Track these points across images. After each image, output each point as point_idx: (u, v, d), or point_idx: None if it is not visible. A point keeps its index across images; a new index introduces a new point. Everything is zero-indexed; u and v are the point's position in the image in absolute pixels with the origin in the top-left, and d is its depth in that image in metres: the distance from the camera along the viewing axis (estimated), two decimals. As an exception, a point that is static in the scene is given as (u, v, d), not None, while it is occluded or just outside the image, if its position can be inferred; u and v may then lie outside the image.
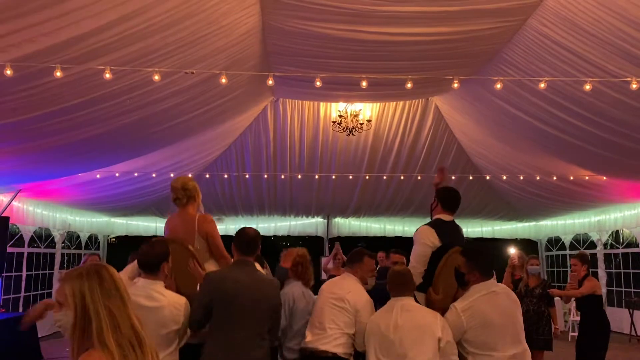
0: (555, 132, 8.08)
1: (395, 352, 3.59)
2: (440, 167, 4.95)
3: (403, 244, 7.97)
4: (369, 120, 10.27)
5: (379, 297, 4.14)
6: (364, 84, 6.15)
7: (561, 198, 12.25)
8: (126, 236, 15.94)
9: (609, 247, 13.38)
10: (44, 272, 12.27)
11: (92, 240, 14.80)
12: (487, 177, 12.22)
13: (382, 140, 11.46)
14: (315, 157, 11.86)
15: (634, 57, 5.39)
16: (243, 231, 3.79)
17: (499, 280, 6.08)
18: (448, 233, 4.08)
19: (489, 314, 3.56)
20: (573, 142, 8.19)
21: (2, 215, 9.53)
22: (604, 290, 12.70)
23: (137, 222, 15.44)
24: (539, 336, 6.57)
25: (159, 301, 3.34)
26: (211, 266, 4.01)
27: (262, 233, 13.66)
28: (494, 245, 16.60)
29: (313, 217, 15.61)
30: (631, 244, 12.88)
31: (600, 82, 5.90)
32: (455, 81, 6.31)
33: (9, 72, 4.57)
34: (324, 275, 9.75)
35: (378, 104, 10.60)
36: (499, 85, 6.02)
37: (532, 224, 15.99)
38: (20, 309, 10.92)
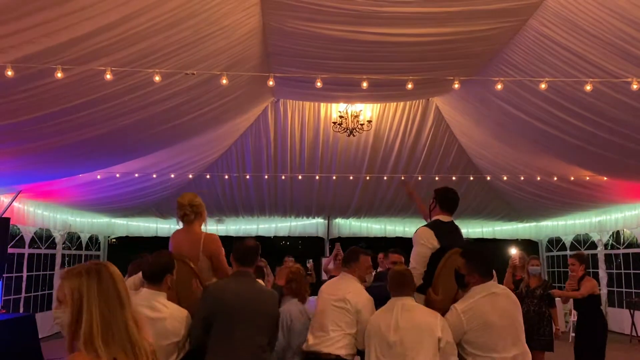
0: (556, 132, 8.07)
1: (395, 352, 3.59)
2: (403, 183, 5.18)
3: (404, 245, 7.97)
4: (369, 121, 10.27)
5: (376, 300, 4.14)
6: (364, 84, 6.16)
7: (562, 198, 12.24)
8: (127, 237, 15.95)
9: (609, 248, 13.37)
10: (45, 272, 12.27)
11: (93, 241, 14.81)
12: (488, 178, 12.22)
13: (383, 141, 11.46)
14: (316, 158, 11.86)
15: (635, 57, 5.39)
16: (242, 243, 3.80)
17: (500, 281, 6.10)
18: (447, 234, 4.09)
19: (489, 315, 3.57)
20: (574, 142, 8.19)
21: (3, 216, 9.54)
22: (604, 291, 12.71)
23: (138, 222, 15.45)
24: (539, 337, 6.57)
25: (161, 312, 3.35)
26: None
27: (262, 234, 13.71)
28: (495, 245, 16.60)
29: (313, 217, 15.60)
30: (632, 244, 12.88)
31: (601, 82, 5.90)
32: (456, 82, 6.31)
33: (9, 73, 4.57)
34: (324, 276, 9.76)
35: (378, 105, 10.60)
36: (499, 86, 6.02)
37: (533, 224, 15.99)
38: (21, 310, 10.93)
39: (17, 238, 11.02)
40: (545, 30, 5.95)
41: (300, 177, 12.29)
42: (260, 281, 4.25)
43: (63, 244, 12.76)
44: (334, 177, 12.36)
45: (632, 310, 11.68)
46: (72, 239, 13.75)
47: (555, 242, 15.72)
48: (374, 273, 5.97)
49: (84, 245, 13.96)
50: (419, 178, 11.91)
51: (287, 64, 7.40)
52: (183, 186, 12.45)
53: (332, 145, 11.55)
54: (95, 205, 12.92)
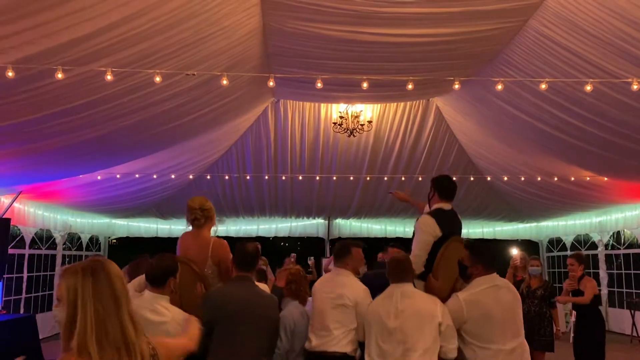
0: (556, 132, 8.07)
1: (396, 339, 3.61)
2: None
3: (404, 245, 7.94)
4: (369, 122, 10.27)
5: (370, 288, 4.17)
6: (364, 85, 6.16)
7: (562, 199, 12.24)
8: (127, 237, 15.96)
9: (610, 248, 13.37)
10: (45, 273, 12.27)
11: (93, 241, 14.81)
12: (488, 178, 12.22)
13: (383, 141, 11.46)
14: (316, 158, 11.86)
15: (635, 57, 5.39)
16: (242, 247, 3.79)
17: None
18: (448, 222, 4.15)
19: (491, 307, 3.60)
20: (574, 142, 8.19)
21: (3, 216, 9.54)
22: (605, 291, 12.71)
23: (138, 223, 15.45)
24: (540, 337, 6.57)
25: (163, 315, 3.35)
26: None
27: (263, 234, 13.70)
28: (495, 246, 16.58)
29: (314, 218, 15.60)
30: (632, 244, 12.87)
31: (601, 82, 5.90)
32: (456, 82, 6.31)
33: (10, 74, 4.57)
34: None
35: (379, 105, 10.60)
36: (499, 86, 6.02)
37: (533, 224, 15.99)
38: (22, 311, 10.93)
39: (17, 239, 11.02)
40: (545, 31, 5.95)
41: (300, 178, 12.28)
42: (263, 285, 4.24)
43: (63, 244, 12.76)
44: (335, 178, 12.36)
45: (632, 311, 11.67)
46: (73, 239, 13.75)
47: (555, 243, 15.72)
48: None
49: (84, 246, 13.96)
50: (419, 179, 11.91)
51: (288, 65, 7.40)
52: (183, 187, 12.46)
53: (333, 145, 11.55)
54: (95, 206, 12.92)
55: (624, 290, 12.80)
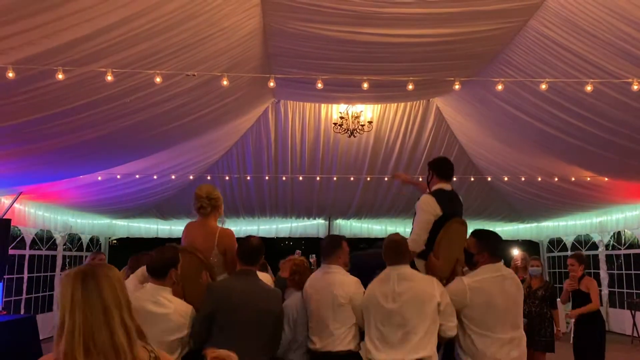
0: (557, 133, 8.07)
1: (395, 322, 3.61)
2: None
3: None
4: (370, 122, 10.27)
5: (358, 268, 4.18)
6: (365, 85, 6.15)
7: (563, 199, 12.24)
8: (127, 238, 15.96)
9: (610, 248, 13.36)
10: (46, 274, 12.27)
11: (94, 242, 14.81)
12: (489, 179, 12.22)
13: (383, 142, 11.46)
14: (317, 159, 11.86)
15: (635, 57, 5.39)
16: (246, 241, 3.77)
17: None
18: (449, 202, 4.18)
19: (494, 296, 3.62)
20: (574, 143, 8.19)
21: (4, 217, 9.54)
22: (605, 292, 12.70)
23: (139, 224, 15.45)
24: (541, 338, 6.56)
25: (166, 307, 3.35)
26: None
27: (263, 235, 13.73)
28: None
29: (314, 218, 15.60)
30: (633, 245, 12.87)
31: (602, 83, 5.90)
32: (457, 82, 6.31)
33: (10, 74, 4.57)
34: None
35: (379, 106, 10.60)
36: (500, 87, 6.02)
37: (534, 225, 15.98)
38: (22, 311, 10.93)
39: (18, 239, 11.02)
40: (545, 31, 5.95)
41: (301, 178, 12.28)
42: (265, 275, 4.19)
43: (64, 245, 12.76)
44: (335, 178, 12.36)
45: (633, 311, 11.66)
46: (73, 240, 13.76)
47: (556, 243, 15.71)
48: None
49: (84, 247, 13.95)
50: (420, 179, 11.89)
51: (288, 65, 7.40)
52: (184, 187, 12.46)
53: (333, 146, 11.55)
54: (96, 207, 12.93)
55: (625, 290, 12.80)
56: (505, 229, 16.13)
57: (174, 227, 15.19)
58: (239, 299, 3.49)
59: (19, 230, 10.93)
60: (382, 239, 4.14)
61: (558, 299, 7.02)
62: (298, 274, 4.35)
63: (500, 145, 10.47)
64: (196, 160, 11.21)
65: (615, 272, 13.33)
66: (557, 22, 5.70)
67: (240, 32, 6.16)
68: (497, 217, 14.87)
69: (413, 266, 4.08)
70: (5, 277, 9.77)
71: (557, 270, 15.64)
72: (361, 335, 3.94)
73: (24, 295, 11.20)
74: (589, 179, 10.21)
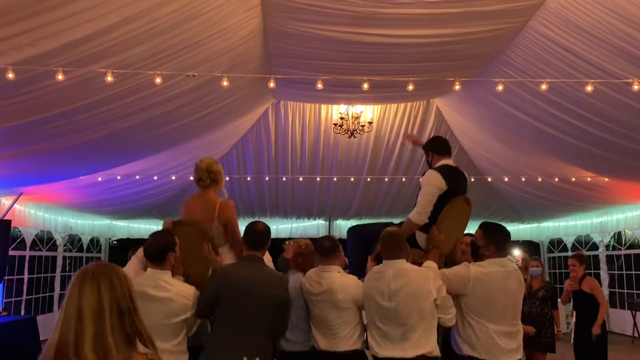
0: (557, 133, 8.07)
1: (394, 321, 3.62)
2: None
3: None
4: (370, 122, 10.27)
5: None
6: (365, 86, 6.15)
7: (563, 199, 12.23)
8: (128, 239, 15.94)
9: (611, 249, 13.35)
10: (46, 275, 12.26)
11: (94, 243, 14.80)
12: (489, 179, 12.21)
13: (384, 142, 11.45)
14: (317, 160, 11.85)
15: (635, 57, 5.39)
16: (252, 226, 3.75)
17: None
18: (454, 177, 4.20)
19: (497, 291, 3.63)
20: (574, 143, 8.18)
21: (4, 218, 9.54)
22: (606, 292, 12.68)
23: (139, 224, 15.44)
24: (541, 338, 6.54)
25: (167, 291, 3.34)
26: (225, 252, 3.97)
27: (263, 235, 13.27)
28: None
29: (315, 219, 15.59)
30: (633, 245, 12.86)
31: (602, 83, 5.90)
32: (457, 83, 6.31)
33: (10, 75, 4.57)
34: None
35: (379, 106, 10.60)
36: (500, 87, 6.02)
37: (534, 225, 15.97)
38: (22, 312, 10.92)
39: (18, 240, 11.01)
40: (545, 31, 5.95)
41: (301, 179, 12.28)
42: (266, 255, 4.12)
43: (64, 246, 12.75)
44: (335, 179, 12.35)
45: (633, 312, 11.66)
46: (73, 241, 13.75)
47: (556, 243, 15.70)
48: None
49: (85, 248, 13.95)
50: (420, 179, 11.89)
51: (288, 66, 7.40)
52: (184, 188, 12.45)
53: (333, 146, 11.54)
54: (96, 207, 12.92)
55: (625, 291, 12.79)
56: (505, 230, 16.12)
57: (174, 228, 15.14)
58: (244, 284, 3.47)
59: (19, 231, 10.93)
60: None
61: (559, 300, 7.01)
62: (301, 256, 4.31)
63: (500, 146, 10.47)
64: (196, 160, 11.18)
65: (616, 272, 13.32)
66: (557, 23, 5.70)
67: (240, 33, 6.16)
68: (498, 218, 14.82)
69: (414, 240, 4.10)
70: (6, 278, 9.77)
71: (557, 270, 15.63)
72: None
73: (24, 296, 11.19)
74: (589, 179, 10.20)
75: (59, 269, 12.48)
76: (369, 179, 12.44)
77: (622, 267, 13.19)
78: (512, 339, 3.65)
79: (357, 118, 10.03)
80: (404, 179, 12.29)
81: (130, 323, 1.73)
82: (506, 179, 11.72)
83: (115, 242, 17.22)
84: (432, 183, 4.08)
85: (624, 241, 13.10)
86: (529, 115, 7.97)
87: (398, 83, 7.15)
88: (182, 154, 10.23)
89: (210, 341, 3.55)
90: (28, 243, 11.23)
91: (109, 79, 5.09)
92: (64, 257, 12.86)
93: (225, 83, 5.58)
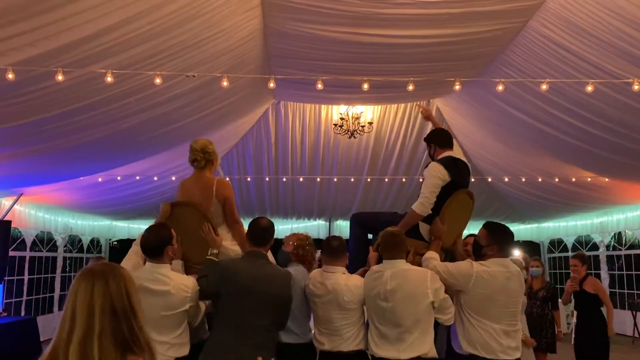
0: (557, 133, 8.07)
1: (390, 322, 3.62)
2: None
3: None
4: (370, 123, 10.27)
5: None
6: (365, 86, 6.15)
7: (563, 200, 12.23)
8: (128, 239, 15.93)
9: (611, 249, 13.34)
10: (46, 275, 12.26)
11: (94, 243, 14.80)
12: (489, 179, 12.20)
13: (384, 143, 11.45)
14: (317, 160, 11.85)
15: (635, 57, 5.39)
16: (256, 222, 3.74)
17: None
18: (457, 168, 4.20)
19: (496, 292, 3.63)
20: (574, 143, 8.18)
21: (4, 219, 9.54)
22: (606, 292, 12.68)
23: (139, 225, 15.42)
24: (542, 338, 6.54)
25: (166, 284, 3.33)
26: (223, 231, 3.97)
27: (263, 236, 13.24)
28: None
29: (315, 219, 15.59)
30: (634, 245, 12.86)
31: (602, 83, 5.89)
32: (457, 83, 6.31)
33: (10, 75, 4.57)
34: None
35: (379, 107, 10.60)
36: (500, 87, 6.01)
37: (534, 225, 15.96)
38: (22, 313, 10.92)
39: (18, 241, 11.01)
40: (545, 32, 5.95)
41: (301, 179, 12.28)
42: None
43: (64, 246, 12.75)
44: (335, 179, 12.35)
45: (634, 312, 11.65)
46: (74, 241, 13.74)
47: (556, 244, 15.69)
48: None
49: (85, 248, 13.95)
50: (420, 180, 11.89)
51: (288, 66, 7.41)
52: (184, 189, 12.44)
53: (333, 147, 11.54)
54: (96, 208, 12.92)
55: (626, 291, 12.78)
56: (505, 230, 16.11)
57: (174, 229, 15.14)
58: (245, 282, 3.46)
59: (20, 231, 10.93)
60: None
61: (559, 300, 7.01)
62: (301, 248, 4.31)
63: (500, 146, 10.46)
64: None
65: (616, 272, 13.31)
66: (557, 23, 5.70)
67: (240, 33, 6.16)
68: (498, 218, 14.80)
69: (417, 231, 4.10)
70: (6, 278, 9.77)
71: (557, 271, 15.62)
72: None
73: (25, 297, 11.19)
74: (589, 179, 10.20)
75: (59, 270, 12.48)
76: (369, 180, 12.44)
77: (622, 267, 13.18)
78: (511, 338, 3.65)
79: (357, 118, 10.03)
80: (404, 180, 12.29)
81: (126, 326, 1.67)
82: (506, 179, 11.72)
83: (116, 242, 17.20)
84: (435, 175, 4.09)
85: (624, 241, 13.10)
86: (529, 116, 7.96)
87: (398, 83, 7.14)
88: (182, 154, 10.15)
89: (212, 338, 3.55)
90: (28, 244, 11.22)
91: (109, 79, 5.09)
92: (64, 258, 12.86)
93: (225, 83, 5.58)
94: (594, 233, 13.48)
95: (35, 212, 11.07)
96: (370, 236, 4.66)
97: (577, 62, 6.00)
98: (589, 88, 5.66)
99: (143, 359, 1.68)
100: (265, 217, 3.90)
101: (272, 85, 5.86)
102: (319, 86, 5.84)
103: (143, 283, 3.24)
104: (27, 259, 11.34)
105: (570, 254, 14.51)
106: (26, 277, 11.26)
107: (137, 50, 5.27)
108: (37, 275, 11.85)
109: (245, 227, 3.99)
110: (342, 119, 10.05)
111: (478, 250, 3.83)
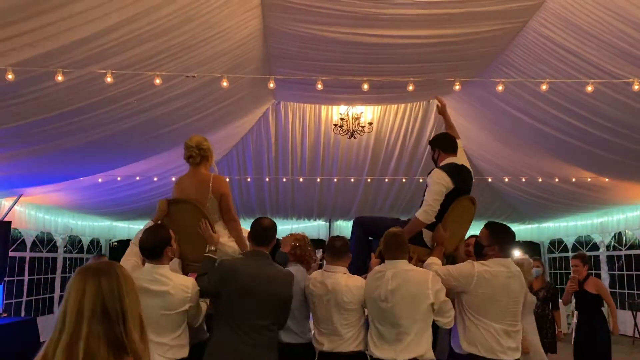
0: (557, 133, 8.07)
1: (389, 322, 3.63)
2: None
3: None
4: (370, 123, 10.26)
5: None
6: (365, 86, 6.15)
7: (563, 200, 12.22)
8: (128, 240, 15.91)
9: (611, 249, 13.34)
10: (46, 276, 12.26)
11: (94, 244, 14.81)
12: (489, 180, 12.20)
13: (384, 143, 11.45)
14: (317, 160, 11.85)
15: (635, 57, 5.39)
16: (258, 222, 3.74)
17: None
18: (460, 175, 4.21)
19: (498, 291, 3.63)
20: (574, 143, 8.18)
21: (4, 219, 9.54)
22: (607, 292, 12.67)
23: (139, 226, 15.31)
24: (542, 339, 6.53)
25: (165, 284, 3.33)
26: (220, 228, 3.96)
27: (263, 236, 13.24)
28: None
29: (315, 220, 15.59)
30: (634, 245, 12.85)
31: (602, 83, 5.89)
32: (457, 83, 6.31)
33: (10, 76, 4.57)
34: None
35: (379, 107, 10.59)
36: (500, 87, 6.01)
37: (535, 226, 15.96)
38: (22, 314, 10.92)
39: (18, 242, 11.01)
40: (545, 32, 5.95)
41: (301, 180, 12.27)
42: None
43: (64, 247, 12.75)
44: (336, 180, 12.35)
45: (634, 312, 11.64)
46: (74, 242, 13.75)
47: (557, 244, 15.68)
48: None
49: (85, 249, 13.95)
50: (420, 180, 11.90)
51: (288, 66, 7.40)
52: (184, 189, 12.44)
53: (333, 147, 11.54)
54: (96, 209, 12.92)
55: (626, 291, 12.78)
56: (506, 230, 16.10)
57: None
58: (246, 282, 3.46)
59: (20, 232, 10.93)
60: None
61: (559, 300, 7.01)
62: (299, 249, 4.32)
63: (500, 146, 10.46)
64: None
65: (617, 272, 13.31)
66: (557, 23, 5.70)
67: (240, 34, 6.16)
68: (498, 218, 14.78)
69: (420, 238, 4.11)
70: (6, 279, 9.76)
71: (558, 271, 15.62)
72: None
73: (25, 298, 11.19)
74: (589, 179, 10.19)
75: (59, 270, 12.48)
76: (369, 180, 12.44)
77: (622, 267, 13.18)
78: (511, 338, 3.65)
79: (357, 119, 10.03)
80: (404, 180, 12.29)
81: (119, 328, 1.60)
82: (506, 180, 11.71)
83: (116, 243, 17.20)
84: (439, 182, 4.09)
85: (624, 241, 13.09)
86: (529, 116, 7.96)
87: (398, 84, 7.15)
88: (182, 155, 10.13)
89: (213, 339, 3.55)
90: (28, 244, 11.23)
91: (109, 80, 5.09)
92: (64, 259, 12.86)
93: (225, 84, 5.58)
94: (594, 233, 13.48)
95: (36, 212, 11.07)
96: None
97: (577, 62, 6.00)
98: (589, 88, 5.66)
99: None
100: (267, 217, 3.89)
101: (272, 85, 5.86)
102: (319, 86, 5.83)
103: (142, 284, 3.23)
104: (27, 259, 11.35)
105: (570, 254, 14.50)
106: (26, 277, 11.26)
107: (137, 50, 5.27)
108: (37, 275, 11.86)
109: (246, 227, 3.99)
110: (342, 119, 10.05)
111: (479, 250, 3.84)
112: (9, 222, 9.52)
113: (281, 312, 3.65)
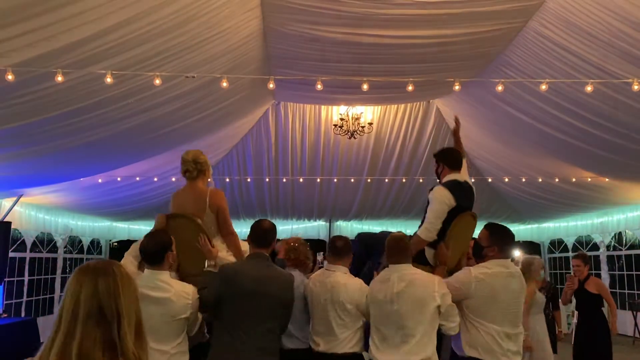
0: (557, 133, 8.07)
1: (394, 324, 3.61)
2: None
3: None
4: (370, 123, 10.27)
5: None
6: (365, 87, 6.15)
7: (563, 200, 12.22)
8: (128, 240, 15.94)
9: (611, 249, 13.34)
10: (46, 277, 12.26)
11: (94, 244, 14.81)
12: (489, 180, 12.20)
13: (384, 143, 11.45)
14: (317, 161, 11.86)
15: (635, 57, 5.39)
16: (258, 224, 3.74)
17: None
18: (462, 193, 4.17)
19: (498, 292, 3.63)
20: (575, 143, 8.18)
21: (4, 220, 9.54)
22: (607, 292, 12.66)
23: (139, 226, 15.43)
24: (542, 339, 6.54)
25: (166, 291, 3.31)
26: (218, 242, 3.95)
27: (264, 236, 13.25)
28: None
29: (315, 220, 15.59)
30: (634, 245, 12.85)
31: (601, 83, 5.89)
32: (457, 83, 6.31)
33: (10, 77, 4.57)
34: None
35: (379, 107, 10.60)
36: (500, 87, 6.01)
37: (535, 226, 15.96)
38: (23, 314, 10.92)
39: (18, 242, 11.00)
40: (545, 32, 5.95)
41: (301, 180, 12.27)
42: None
43: (64, 247, 12.75)
44: (335, 180, 12.35)
45: (634, 312, 11.64)
46: (74, 242, 13.75)
47: (557, 244, 15.68)
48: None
49: (85, 249, 13.95)
50: (420, 180, 11.91)
51: (288, 67, 7.41)
52: (184, 189, 12.44)
53: (333, 147, 11.54)
54: (96, 209, 12.92)
55: (626, 291, 12.77)
56: (506, 230, 16.09)
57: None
58: (248, 284, 3.45)
59: (20, 232, 10.93)
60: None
61: (559, 300, 7.00)
62: (293, 252, 4.31)
63: (500, 146, 10.47)
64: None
65: (617, 272, 13.31)
66: (557, 23, 5.70)
67: (240, 34, 6.16)
68: (498, 218, 14.78)
69: (422, 256, 4.09)
70: (6, 279, 9.76)
71: (558, 271, 15.62)
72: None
73: (25, 298, 11.19)
74: (589, 179, 10.19)
75: (59, 271, 12.48)
76: (369, 180, 12.44)
77: (622, 267, 13.18)
78: (512, 341, 3.65)
79: (357, 119, 10.03)
80: (404, 180, 12.29)
81: (118, 332, 1.55)
82: (506, 180, 11.71)
83: (116, 243, 17.22)
84: (442, 200, 4.06)
85: (624, 241, 13.09)
86: (529, 116, 7.96)
87: (398, 84, 7.15)
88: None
89: (215, 342, 3.53)
90: (28, 245, 11.22)
91: (109, 80, 5.09)
92: (65, 259, 12.86)
93: (225, 84, 5.58)
94: (595, 233, 13.48)
95: (36, 213, 11.07)
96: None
97: (576, 62, 6.00)
98: (589, 88, 5.66)
99: None
100: (267, 219, 3.89)
101: (271, 85, 5.86)
102: (319, 87, 5.83)
103: (143, 290, 3.19)
104: (27, 260, 11.34)
105: (570, 254, 14.50)
106: (26, 278, 11.26)
107: (136, 51, 5.27)
108: (37, 276, 11.85)
109: (246, 227, 3.99)
110: (342, 119, 10.05)
111: (479, 251, 3.84)
112: (9, 223, 9.51)
113: (283, 315, 3.64)
